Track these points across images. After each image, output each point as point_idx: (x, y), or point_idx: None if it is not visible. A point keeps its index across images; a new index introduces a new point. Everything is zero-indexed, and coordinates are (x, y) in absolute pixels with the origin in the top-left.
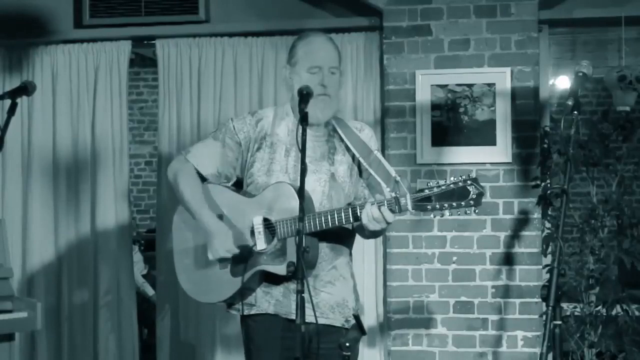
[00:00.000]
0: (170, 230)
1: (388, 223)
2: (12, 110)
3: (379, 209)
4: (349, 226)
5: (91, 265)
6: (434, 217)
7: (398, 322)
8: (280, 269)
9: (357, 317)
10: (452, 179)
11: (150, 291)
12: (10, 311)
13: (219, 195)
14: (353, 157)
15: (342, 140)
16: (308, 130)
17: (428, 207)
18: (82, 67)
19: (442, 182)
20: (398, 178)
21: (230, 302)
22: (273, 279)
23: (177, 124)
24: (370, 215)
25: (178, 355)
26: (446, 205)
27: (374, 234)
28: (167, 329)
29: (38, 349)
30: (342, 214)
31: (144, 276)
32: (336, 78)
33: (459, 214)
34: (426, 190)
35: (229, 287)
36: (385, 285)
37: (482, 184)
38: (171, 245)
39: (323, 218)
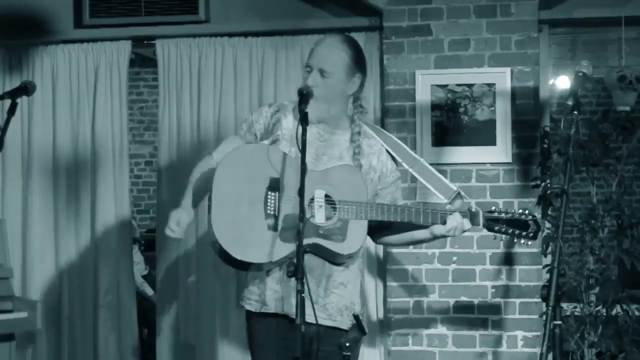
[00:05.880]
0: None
1: (462, 232)
2: (12, 110)
3: (462, 219)
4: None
5: (91, 265)
6: (495, 238)
7: (398, 322)
8: (337, 247)
9: (357, 318)
10: (519, 211)
11: (149, 291)
12: (10, 311)
13: (273, 155)
14: (372, 166)
15: (370, 145)
16: (330, 128)
17: (495, 227)
18: (82, 67)
19: (509, 210)
20: (461, 192)
21: (267, 268)
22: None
23: (177, 124)
24: (455, 223)
25: (178, 355)
26: (510, 231)
27: (426, 241)
28: (167, 329)
29: (38, 349)
30: (430, 215)
31: (144, 277)
32: (327, 82)
33: (515, 241)
34: (496, 213)
35: (278, 250)
36: (385, 285)
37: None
38: (209, 197)
39: (407, 212)
